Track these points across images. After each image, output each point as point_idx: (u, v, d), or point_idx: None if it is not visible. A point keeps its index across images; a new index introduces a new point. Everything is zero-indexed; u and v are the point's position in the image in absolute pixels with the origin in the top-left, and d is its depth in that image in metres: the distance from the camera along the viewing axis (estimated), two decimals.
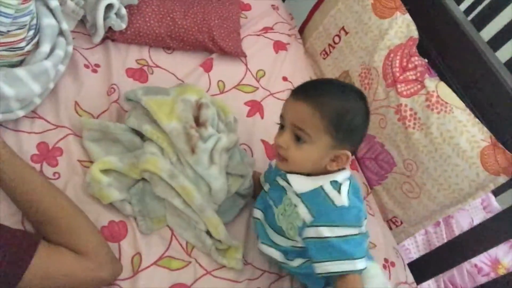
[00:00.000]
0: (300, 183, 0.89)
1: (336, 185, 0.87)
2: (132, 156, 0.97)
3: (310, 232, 0.85)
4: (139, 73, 1.16)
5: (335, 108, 0.85)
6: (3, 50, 0.91)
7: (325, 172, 0.88)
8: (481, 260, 1.60)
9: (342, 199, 0.85)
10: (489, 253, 1.63)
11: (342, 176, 0.88)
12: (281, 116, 0.89)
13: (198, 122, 1.00)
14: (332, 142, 0.85)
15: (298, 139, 0.86)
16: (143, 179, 0.95)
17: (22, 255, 0.72)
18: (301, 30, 1.59)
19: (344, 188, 0.86)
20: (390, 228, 1.29)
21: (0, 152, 0.79)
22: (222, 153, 1.00)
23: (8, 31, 0.89)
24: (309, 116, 0.84)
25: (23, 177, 0.81)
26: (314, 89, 0.88)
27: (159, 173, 0.92)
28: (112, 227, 0.90)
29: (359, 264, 0.83)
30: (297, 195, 0.89)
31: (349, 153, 0.87)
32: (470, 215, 1.73)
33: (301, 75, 1.40)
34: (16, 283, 0.70)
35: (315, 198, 0.87)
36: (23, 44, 0.94)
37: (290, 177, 0.90)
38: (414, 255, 1.51)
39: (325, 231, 0.83)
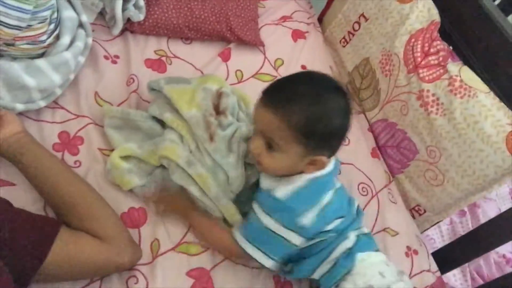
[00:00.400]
0: (267, 183, 0.89)
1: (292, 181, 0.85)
2: (152, 143, 0.98)
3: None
4: (157, 64, 1.17)
5: (305, 116, 0.78)
6: (25, 44, 0.93)
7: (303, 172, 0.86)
8: (509, 250, 1.56)
9: (280, 192, 0.84)
10: None
11: (303, 178, 0.85)
12: (254, 119, 0.86)
13: (218, 110, 1.00)
14: (305, 150, 0.81)
15: (269, 146, 0.83)
16: (162, 165, 0.96)
17: (44, 239, 0.74)
18: (320, 19, 1.57)
19: (293, 187, 0.84)
20: (413, 217, 1.27)
21: (23, 141, 0.81)
22: (241, 142, 1.00)
23: (29, 25, 0.91)
24: (275, 126, 0.80)
25: (45, 164, 0.83)
26: (282, 93, 0.82)
27: (177, 160, 0.92)
28: (132, 214, 0.92)
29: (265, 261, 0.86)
30: None
31: (325, 159, 0.83)
32: (498, 205, 1.68)
33: (321, 63, 1.39)
34: (38, 266, 0.72)
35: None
36: (44, 37, 0.95)
37: (261, 175, 0.91)
38: (439, 244, 1.48)
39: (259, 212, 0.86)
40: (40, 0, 0.90)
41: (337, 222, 0.89)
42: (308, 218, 0.83)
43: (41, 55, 0.97)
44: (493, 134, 1.05)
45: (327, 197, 0.87)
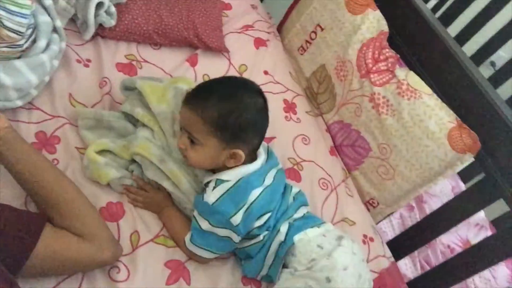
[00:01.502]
0: (206, 179, 0.98)
1: (219, 183, 0.92)
2: (124, 140, 1.03)
3: None
4: (128, 68, 1.22)
5: (217, 111, 0.89)
6: (4, 47, 0.96)
7: (226, 168, 0.95)
8: (453, 241, 1.71)
9: (209, 197, 0.91)
10: (460, 234, 1.74)
11: (229, 175, 0.93)
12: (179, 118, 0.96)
13: None
14: (221, 143, 0.91)
15: (192, 141, 0.93)
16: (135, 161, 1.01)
17: (29, 235, 0.76)
18: (279, 28, 1.68)
19: (220, 189, 0.91)
20: (368, 210, 1.38)
21: (9, 136, 0.83)
22: None
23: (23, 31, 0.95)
24: (193, 121, 0.91)
25: (30, 161, 0.84)
26: (201, 93, 0.93)
27: (150, 158, 0.98)
28: (111, 208, 0.96)
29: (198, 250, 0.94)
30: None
31: (241, 152, 0.92)
32: (442, 200, 1.83)
33: (281, 68, 1.48)
34: (24, 263, 0.74)
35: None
36: (22, 42, 0.99)
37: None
38: (391, 237, 1.60)
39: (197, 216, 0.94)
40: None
41: (265, 217, 0.96)
42: (238, 217, 0.91)
43: (18, 58, 1.01)
44: (436, 131, 1.18)
45: (254, 195, 0.93)
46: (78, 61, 1.16)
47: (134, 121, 1.07)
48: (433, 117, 1.19)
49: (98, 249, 0.83)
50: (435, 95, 1.21)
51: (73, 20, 1.21)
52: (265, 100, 0.96)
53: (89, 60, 1.18)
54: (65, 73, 1.12)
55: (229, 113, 0.90)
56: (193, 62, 1.33)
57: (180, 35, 1.31)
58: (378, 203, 1.37)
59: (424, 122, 1.20)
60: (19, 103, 0.99)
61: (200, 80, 1.30)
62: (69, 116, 1.06)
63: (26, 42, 1.00)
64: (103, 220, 0.90)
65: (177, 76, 1.19)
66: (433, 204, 1.78)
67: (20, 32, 0.94)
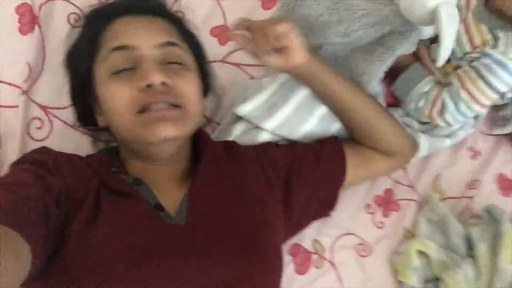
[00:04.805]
0: None
1: None
2: (447, 256, 0.97)
3: None
4: (506, 184, 1.08)
5: None
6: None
7: None
8: None
9: None
10: None
11: None
12: None
13: None
14: None
15: None
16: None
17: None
18: None
19: None
20: None
21: (318, 73, 0.84)
22: None
23: None
24: None
25: (334, 89, 0.86)
26: None
27: None
28: None
29: None
30: None
31: None
32: None
33: None
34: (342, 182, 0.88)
35: None
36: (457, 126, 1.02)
37: None
38: None
39: None
40: None
41: None
42: None
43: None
44: None
45: None
46: (469, 149, 1.09)
47: (470, 246, 0.98)
48: None
49: (398, 162, 0.96)
50: None
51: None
52: None
53: (479, 153, 1.09)
54: (450, 153, 1.08)
55: None
56: None
57: None
58: None
59: None
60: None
61: None
62: (421, 193, 1.04)
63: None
64: (404, 135, 0.94)
65: None
66: None
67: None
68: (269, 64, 0.78)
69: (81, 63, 0.76)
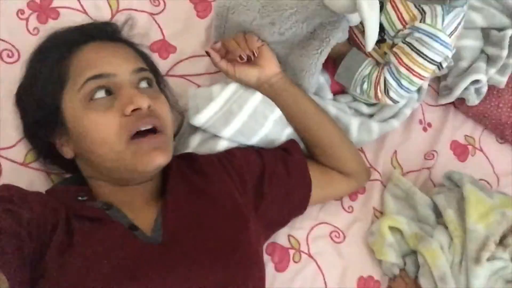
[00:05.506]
0: None
1: None
2: (419, 228, 0.98)
3: None
4: (461, 149, 1.14)
5: None
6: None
7: None
8: None
9: None
10: None
11: None
12: None
13: (502, 241, 0.94)
14: None
15: None
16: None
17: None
18: None
19: None
20: None
21: (282, 82, 0.89)
22: (500, 281, 0.93)
23: None
24: None
25: (300, 107, 0.92)
26: None
27: (432, 268, 0.92)
28: (368, 282, 0.96)
29: None
30: None
31: None
32: None
33: None
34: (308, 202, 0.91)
35: None
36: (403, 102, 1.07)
37: None
38: None
39: None
40: None
41: None
42: None
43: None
44: None
45: None
46: (420, 122, 1.13)
47: (438, 214, 1.01)
48: None
49: (355, 184, 0.99)
50: None
51: (438, 78, 1.17)
52: None
53: (429, 125, 1.14)
54: (402, 129, 1.11)
55: None
56: None
57: None
58: None
59: None
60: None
61: None
62: (383, 172, 1.07)
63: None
64: (360, 158, 1.00)
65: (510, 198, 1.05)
66: None
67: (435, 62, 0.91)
68: (244, 76, 0.87)
69: (44, 95, 0.72)
